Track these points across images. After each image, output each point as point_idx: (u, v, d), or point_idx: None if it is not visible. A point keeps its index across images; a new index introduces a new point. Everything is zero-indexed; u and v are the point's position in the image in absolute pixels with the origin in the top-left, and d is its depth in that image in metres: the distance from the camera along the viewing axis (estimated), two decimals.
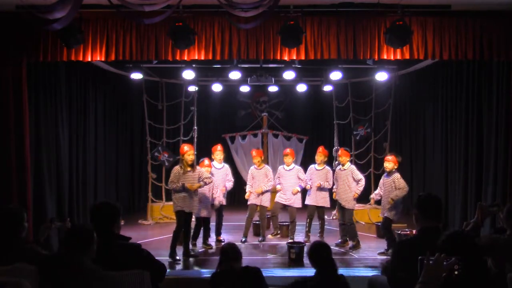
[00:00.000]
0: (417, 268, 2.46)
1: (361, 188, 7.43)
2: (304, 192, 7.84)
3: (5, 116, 6.29)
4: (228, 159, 11.17)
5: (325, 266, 3.72)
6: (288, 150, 7.97)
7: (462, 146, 7.70)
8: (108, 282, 3.07)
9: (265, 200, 7.75)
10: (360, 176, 7.48)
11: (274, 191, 8.02)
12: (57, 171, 7.56)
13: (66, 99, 7.86)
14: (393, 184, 6.75)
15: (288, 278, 5.35)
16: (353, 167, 7.61)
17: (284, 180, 7.76)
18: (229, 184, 7.71)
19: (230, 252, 3.80)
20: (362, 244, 7.39)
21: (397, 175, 6.81)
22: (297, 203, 7.71)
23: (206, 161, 7.40)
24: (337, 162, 9.76)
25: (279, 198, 7.78)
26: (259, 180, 7.75)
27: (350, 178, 7.40)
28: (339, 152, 7.71)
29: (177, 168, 6.67)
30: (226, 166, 7.79)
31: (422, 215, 3.31)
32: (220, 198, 7.49)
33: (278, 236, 7.99)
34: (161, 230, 8.76)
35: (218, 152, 7.68)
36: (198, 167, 6.90)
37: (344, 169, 7.46)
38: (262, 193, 7.70)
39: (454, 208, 7.93)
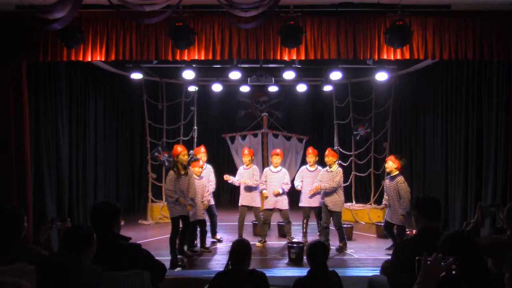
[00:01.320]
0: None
1: (328, 186, 7.08)
2: (295, 193, 7.75)
3: (5, 116, 6.29)
4: (228, 159, 11.22)
5: (319, 263, 3.76)
6: (278, 151, 7.85)
7: (462, 146, 7.70)
8: (108, 282, 3.07)
9: (256, 201, 7.66)
10: (337, 179, 7.10)
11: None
12: (57, 171, 7.55)
13: (66, 99, 7.86)
14: (396, 188, 6.69)
15: (288, 278, 5.37)
16: (340, 170, 7.32)
17: (270, 182, 7.62)
18: (211, 187, 7.53)
19: (236, 249, 3.76)
20: (362, 244, 7.41)
21: (400, 179, 6.74)
22: (285, 205, 7.55)
23: (201, 161, 7.29)
24: (337, 162, 9.78)
25: (267, 204, 7.59)
26: (247, 177, 7.67)
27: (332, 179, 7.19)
28: (326, 152, 7.41)
29: (172, 174, 6.54)
30: (209, 167, 7.63)
31: (421, 215, 3.32)
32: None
33: (265, 244, 7.61)
34: (161, 230, 8.77)
35: (201, 154, 7.54)
36: (190, 168, 6.86)
37: (331, 171, 7.24)
38: (249, 189, 7.63)
39: (454, 208, 7.93)
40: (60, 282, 2.74)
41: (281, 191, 7.50)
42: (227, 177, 7.81)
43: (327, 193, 7.17)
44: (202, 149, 7.69)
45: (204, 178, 7.34)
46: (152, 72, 9.74)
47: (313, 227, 7.90)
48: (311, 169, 7.68)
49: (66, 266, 2.74)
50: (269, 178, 7.65)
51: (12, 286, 2.67)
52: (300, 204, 7.70)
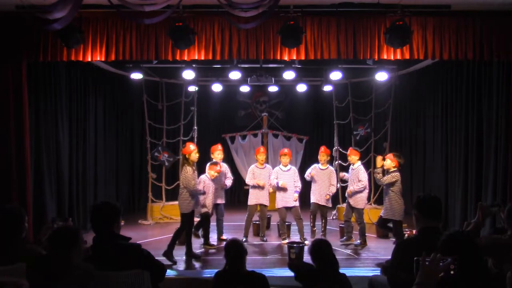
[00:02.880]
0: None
1: (357, 188, 7.39)
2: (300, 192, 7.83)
3: (5, 116, 6.29)
4: (228, 159, 11.21)
5: (326, 263, 3.73)
6: (286, 150, 7.93)
7: (462, 146, 7.70)
8: (108, 282, 3.07)
9: (265, 199, 7.72)
10: (363, 178, 7.44)
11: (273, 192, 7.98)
12: (57, 171, 7.56)
13: (66, 99, 7.87)
14: (388, 185, 6.80)
15: (288, 278, 5.37)
16: (361, 167, 7.60)
17: (281, 180, 7.66)
18: (229, 182, 7.75)
19: (232, 250, 3.75)
20: None
21: (391, 174, 6.79)
22: (297, 202, 7.67)
23: (218, 166, 7.26)
24: (337, 162, 9.82)
25: (281, 202, 7.65)
26: (263, 179, 7.74)
27: (357, 178, 7.44)
28: (348, 152, 7.80)
29: (189, 169, 6.53)
30: (225, 165, 7.79)
31: (422, 215, 3.30)
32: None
33: (289, 239, 7.66)
34: (161, 230, 8.76)
35: (219, 151, 7.59)
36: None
37: (353, 169, 7.55)
38: (259, 187, 7.67)
39: (454, 208, 7.93)
40: (50, 281, 2.76)
41: (297, 195, 7.66)
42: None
43: (349, 190, 7.50)
44: (219, 146, 7.69)
45: (220, 176, 7.44)
46: (152, 72, 9.74)
47: (318, 226, 7.92)
48: (323, 167, 7.79)
49: (55, 264, 2.76)
50: (280, 177, 7.69)
51: (13, 286, 2.68)
52: (312, 200, 7.79)
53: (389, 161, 6.88)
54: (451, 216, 8.01)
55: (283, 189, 7.61)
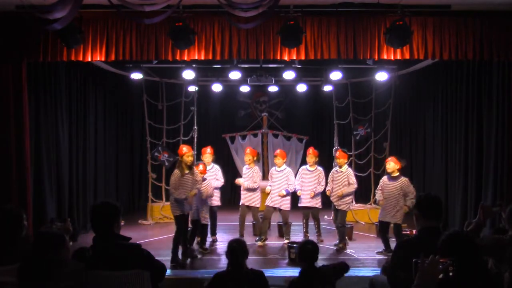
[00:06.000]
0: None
1: (349, 190, 7.29)
2: (294, 194, 7.74)
3: (5, 116, 6.29)
4: (229, 159, 11.22)
5: (310, 261, 3.79)
6: (278, 151, 7.86)
7: (462, 146, 7.70)
8: (108, 282, 3.08)
9: (256, 201, 7.66)
10: (353, 181, 7.35)
11: (264, 192, 7.92)
12: (57, 171, 7.56)
13: (66, 99, 7.86)
14: (400, 191, 6.63)
15: (288, 278, 5.37)
16: (350, 170, 7.48)
17: (274, 181, 7.65)
18: (216, 183, 7.52)
19: (234, 248, 3.80)
20: (362, 244, 7.45)
21: (404, 180, 6.70)
22: (286, 205, 7.57)
23: (201, 166, 7.16)
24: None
25: (269, 201, 7.64)
26: (248, 179, 7.69)
27: (346, 181, 7.31)
28: (337, 154, 7.64)
29: (177, 172, 6.57)
30: (216, 167, 7.66)
31: (423, 215, 3.30)
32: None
33: (265, 242, 7.58)
34: (161, 230, 8.77)
35: (207, 155, 7.53)
36: (194, 168, 6.85)
37: (341, 172, 7.37)
38: (248, 189, 7.61)
39: (454, 208, 7.92)
40: (41, 280, 2.78)
41: (284, 193, 7.52)
42: (237, 181, 7.86)
43: (335, 192, 7.32)
44: (208, 149, 7.63)
45: (209, 178, 7.33)
46: (152, 72, 9.73)
47: (311, 227, 7.91)
48: (311, 169, 7.70)
49: (44, 264, 2.78)
50: (274, 177, 7.69)
51: (12, 286, 2.69)
52: (300, 205, 7.71)
53: (393, 164, 6.82)
54: (451, 216, 8.00)
55: (273, 190, 7.61)
